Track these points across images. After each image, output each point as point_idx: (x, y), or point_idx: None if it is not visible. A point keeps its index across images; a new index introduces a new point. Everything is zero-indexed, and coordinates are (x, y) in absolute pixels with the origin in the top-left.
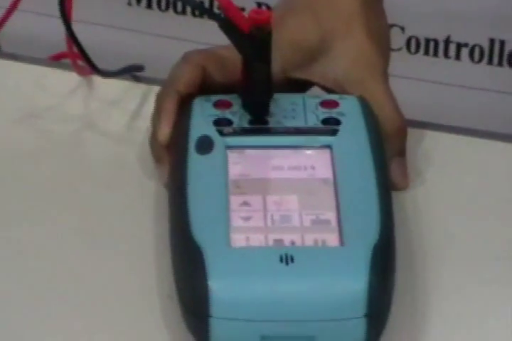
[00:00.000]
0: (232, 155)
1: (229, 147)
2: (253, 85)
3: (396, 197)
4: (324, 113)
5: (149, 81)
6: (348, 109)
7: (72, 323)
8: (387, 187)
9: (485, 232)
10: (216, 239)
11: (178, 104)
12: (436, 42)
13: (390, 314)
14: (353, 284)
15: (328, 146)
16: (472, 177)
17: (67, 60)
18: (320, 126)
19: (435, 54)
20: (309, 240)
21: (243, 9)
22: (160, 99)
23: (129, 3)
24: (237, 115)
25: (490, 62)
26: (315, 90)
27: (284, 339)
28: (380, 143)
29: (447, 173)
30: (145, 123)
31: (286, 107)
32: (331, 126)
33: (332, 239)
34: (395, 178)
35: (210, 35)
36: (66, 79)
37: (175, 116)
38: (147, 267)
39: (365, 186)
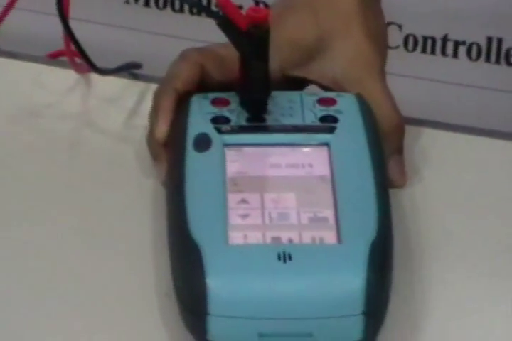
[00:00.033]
0: (230, 153)
1: (227, 145)
2: (251, 83)
3: (394, 194)
4: (322, 110)
5: (147, 79)
6: (346, 107)
7: (71, 321)
8: (385, 184)
9: (482, 230)
10: (214, 237)
11: (176, 101)
12: (433, 40)
13: (388, 311)
14: (350, 282)
15: (326, 144)
16: (469, 175)
17: (65, 58)
18: (317, 123)
19: (433, 52)
20: (307, 238)
21: (241, 7)
22: (157, 97)
23: (127, 1)
24: (235, 113)
25: (487, 60)
26: (312, 88)
27: (281, 336)
28: (378, 141)
29: (445, 171)
30: (143, 121)
31: (283, 105)
32: (328, 123)
33: (330, 237)
34: (392, 176)
35: (207, 33)
36: (64, 76)
37: (172, 114)
38: (145, 265)
39: (363, 184)
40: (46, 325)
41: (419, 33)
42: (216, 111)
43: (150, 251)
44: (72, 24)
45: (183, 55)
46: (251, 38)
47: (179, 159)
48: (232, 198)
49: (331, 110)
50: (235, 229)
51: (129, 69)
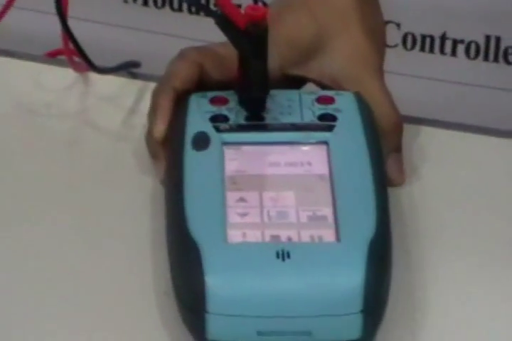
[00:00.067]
0: (229, 152)
1: (225, 143)
2: (249, 81)
3: (392, 192)
4: (320, 109)
5: (146, 77)
6: (345, 105)
7: (70, 320)
8: (384, 182)
9: (481, 227)
10: (213, 235)
11: (174, 100)
12: (432, 38)
13: (387, 309)
14: (349, 280)
15: (325, 142)
16: (467, 173)
17: (64, 57)
18: (316, 122)
19: (431, 50)
20: (306, 236)
21: (239, 6)
22: (156, 96)
23: (125, 1)
24: (234, 111)
25: (486, 58)
26: (310, 86)
27: (280, 334)
28: (377, 139)
29: (443, 169)
30: (141, 119)
31: (282, 103)
32: (327, 122)
33: (328, 235)
34: (391, 174)
35: (206, 32)
36: (62, 75)
37: (170, 113)
38: (144, 263)
39: (362, 182)
40: (46, 323)
41: (418, 31)
42: (215, 109)
43: (149, 250)
44: (71, 23)
45: (182, 54)
46: (249, 37)
47: (178, 158)
48: (231, 196)
49: (329, 108)
50: (233, 228)
51: (128, 68)
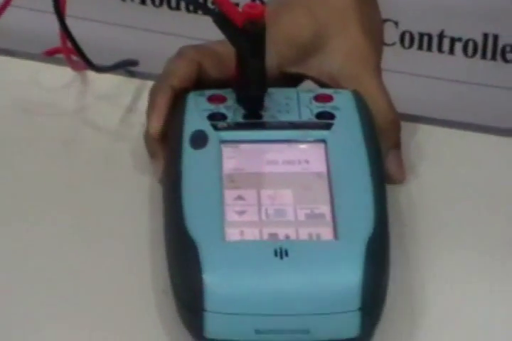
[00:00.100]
0: (227, 150)
1: (223, 141)
2: (247, 80)
3: (390, 190)
4: (318, 107)
5: (143, 76)
6: (342, 103)
7: (69, 318)
8: (382, 180)
9: (479, 225)
10: (211, 233)
11: (171, 99)
12: (430, 36)
13: (385, 307)
14: (347, 278)
15: (323, 140)
16: (465, 171)
17: (62, 56)
18: (314, 120)
19: (429, 48)
20: (304, 234)
21: (237, 4)
22: (153, 94)
23: None
24: (232, 109)
25: (484, 56)
26: (309, 84)
27: (278, 333)
28: (375, 137)
29: (441, 167)
30: (139, 118)
31: (280, 101)
32: (325, 120)
33: (326, 233)
34: (391, 170)
35: (204, 30)
36: (60, 74)
37: (167, 111)
38: (142, 262)
39: (360, 180)
40: (45, 322)
41: (416, 29)
42: (213, 108)
43: (147, 248)
44: (69, 22)
45: (181, 53)
46: (247, 35)
47: (176, 156)
48: (229, 195)
49: (327, 106)
50: (231, 226)
51: (126, 67)
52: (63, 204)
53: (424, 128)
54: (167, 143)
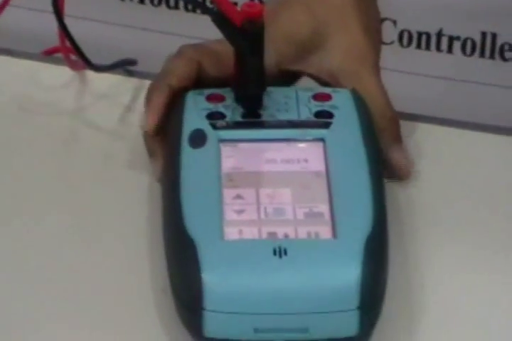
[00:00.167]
0: (225, 149)
1: (222, 140)
2: (246, 79)
3: (389, 189)
4: (317, 106)
5: (142, 75)
6: (341, 102)
7: (68, 318)
8: (380, 179)
9: (478, 224)
10: (209, 233)
11: (169, 97)
12: (428, 35)
13: (384, 306)
14: (346, 276)
15: (321, 139)
16: (464, 169)
17: (60, 55)
18: (313, 119)
19: (427, 47)
20: (302, 233)
21: (236, 3)
22: (150, 92)
23: None
24: (230, 108)
25: (482, 55)
26: (308, 83)
27: (277, 331)
28: (373, 136)
29: (439, 165)
30: (138, 117)
31: (279, 100)
32: (323, 119)
33: (325, 232)
34: (397, 163)
35: (202, 29)
36: (59, 73)
37: (163, 109)
38: (141, 261)
39: (358, 179)
40: (43, 321)
41: (414, 28)
42: (211, 107)
43: (146, 247)
44: (67, 21)
45: (180, 52)
46: (246, 34)
47: (174, 155)
48: (228, 194)
49: (326, 105)
50: (230, 225)
51: (124, 66)
52: (62, 203)
53: (422, 127)
54: (166, 142)
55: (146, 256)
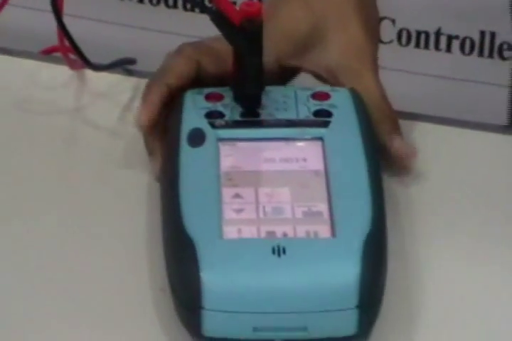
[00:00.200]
0: (224, 148)
1: (221, 139)
2: (244, 78)
3: (387, 188)
4: (316, 105)
5: (141, 74)
6: (340, 101)
7: (66, 317)
8: (379, 178)
9: (477, 223)
10: (208, 232)
11: (165, 95)
12: (427, 34)
13: (382, 305)
14: (344, 275)
15: (320, 138)
16: (463, 168)
17: (59, 54)
18: (311, 118)
19: (426, 46)
20: (301, 232)
21: (234, 2)
22: (147, 88)
23: None
24: (229, 108)
25: (480, 54)
26: (306, 82)
27: (276, 330)
28: (372, 135)
29: (438, 164)
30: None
31: (277, 99)
32: (322, 118)
33: (324, 231)
34: (399, 152)
35: (201, 28)
36: (58, 73)
37: (159, 105)
38: (140, 260)
39: (357, 178)
40: (42, 320)
41: (413, 27)
42: (210, 106)
43: (145, 246)
44: (66, 20)
45: (180, 50)
46: (244, 33)
47: (173, 154)
48: (227, 193)
49: (324, 104)
50: (229, 224)
51: (123, 65)
52: (61, 201)
53: (421, 126)
54: (165, 141)
55: (145, 255)
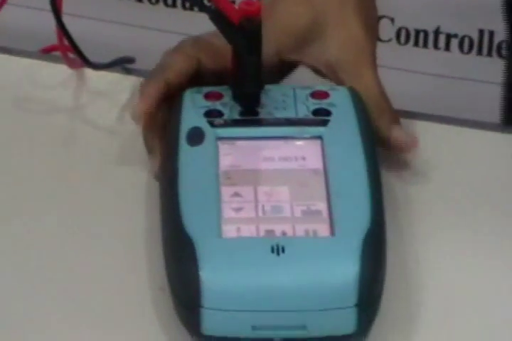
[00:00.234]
0: (223, 147)
1: (220, 138)
2: (243, 77)
3: (386, 186)
4: (315, 104)
5: (140, 73)
6: (339, 100)
7: (65, 316)
8: (378, 177)
9: (477, 221)
10: (207, 230)
11: (163, 91)
12: (426, 33)
13: (382, 304)
14: (343, 274)
15: (319, 137)
16: (462, 167)
17: (58, 53)
18: (310, 116)
19: (425, 45)
20: (300, 230)
21: (233, 1)
22: (145, 84)
23: None
24: (228, 106)
25: (479, 52)
26: (304, 78)
27: (275, 329)
28: (371, 134)
29: (437, 162)
30: None
31: (276, 98)
32: (321, 116)
33: (323, 230)
34: (399, 140)
35: (200, 27)
36: (57, 71)
37: (156, 100)
38: (139, 259)
39: (356, 176)
40: (42, 320)
41: (412, 26)
42: (209, 104)
43: (144, 245)
44: (66, 19)
45: (179, 47)
46: (243, 32)
47: (172, 153)
48: (226, 191)
49: (323, 103)
50: (228, 223)
51: (122, 64)
52: (59, 201)
53: (420, 125)
54: (164, 140)
55: (144, 254)
